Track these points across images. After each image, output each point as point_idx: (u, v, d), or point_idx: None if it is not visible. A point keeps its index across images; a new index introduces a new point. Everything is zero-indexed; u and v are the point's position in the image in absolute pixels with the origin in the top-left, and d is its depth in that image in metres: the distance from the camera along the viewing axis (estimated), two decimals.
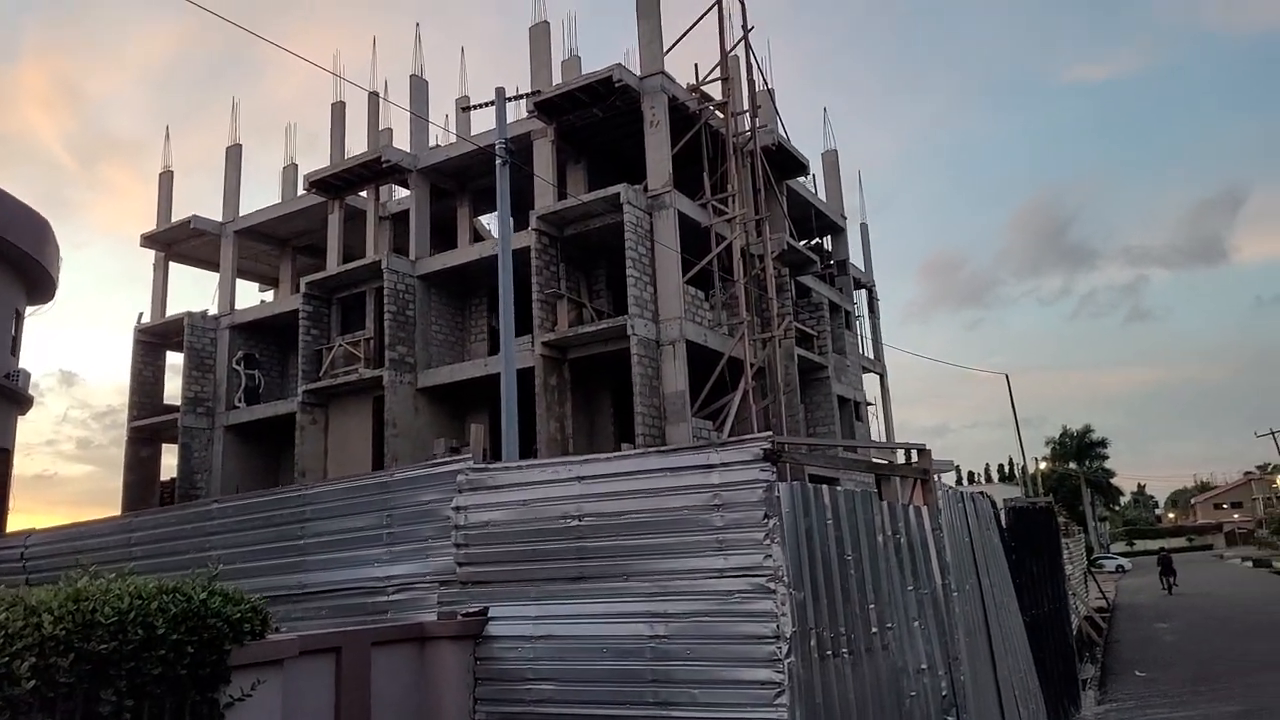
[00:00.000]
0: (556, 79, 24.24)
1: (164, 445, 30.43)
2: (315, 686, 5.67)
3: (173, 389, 30.66)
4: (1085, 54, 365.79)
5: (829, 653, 6.43)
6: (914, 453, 9.49)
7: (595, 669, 6.32)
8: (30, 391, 21.34)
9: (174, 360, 30.86)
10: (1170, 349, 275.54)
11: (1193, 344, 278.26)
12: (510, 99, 15.91)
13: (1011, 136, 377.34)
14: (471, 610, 6.78)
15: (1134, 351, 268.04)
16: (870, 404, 32.34)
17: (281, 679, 5.00)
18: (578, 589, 6.51)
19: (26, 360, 21.31)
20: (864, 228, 36.13)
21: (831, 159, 33.59)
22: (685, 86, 23.70)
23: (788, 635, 5.82)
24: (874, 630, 7.08)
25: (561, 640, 6.47)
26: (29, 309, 22.18)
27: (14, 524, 19.77)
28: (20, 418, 21.40)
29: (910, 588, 7.86)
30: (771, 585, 5.91)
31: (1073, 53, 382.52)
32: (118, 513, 23.55)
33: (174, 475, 28.85)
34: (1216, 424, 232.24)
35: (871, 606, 7.12)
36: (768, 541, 5.96)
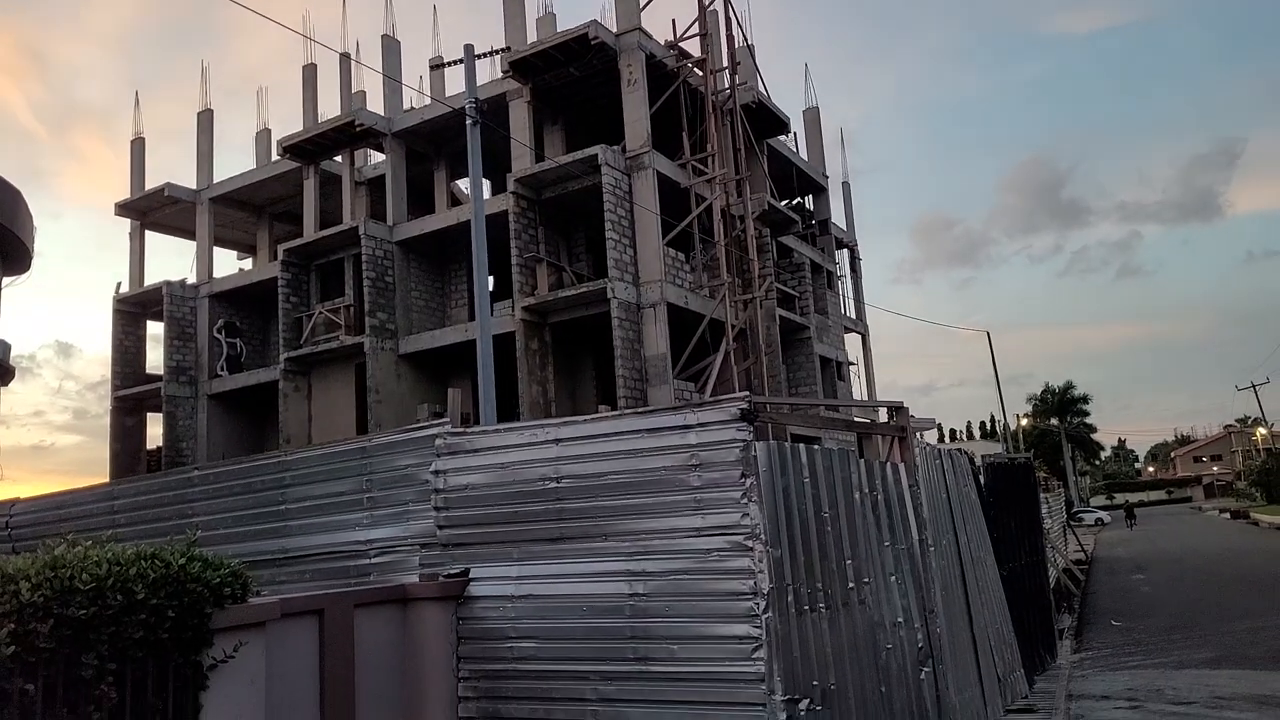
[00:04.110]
0: (531, 37, 23.95)
1: (149, 414, 30.37)
2: (299, 647, 5.73)
3: (155, 358, 30.61)
4: (1065, 2, 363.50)
5: (806, 608, 6.54)
6: (892, 411, 9.59)
7: (576, 627, 6.41)
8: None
9: (155, 330, 30.73)
10: (1157, 304, 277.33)
11: (1178, 299, 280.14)
12: (480, 56, 15.74)
13: (1002, 93, 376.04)
14: (453, 572, 6.85)
15: (1122, 307, 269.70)
16: (853, 364, 32.55)
17: (265, 641, 5.06)
18: (558, 549, 6.58)
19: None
20: (846, 187, 36.09)
21: (813, 116, 33.42)
22: (663, 44, 23.47)
23: (765, 591, 5.91)
24: (851, 585, 7.19)
25: (542, 600, 6.55)
26: (5, 280, 21.96)
27: (2, 494, 19.76)
28: (4, 389, 21.29)
29: (887, 543, 7.98)
30: (749, 543, 5.98)
31: (1053, 1, 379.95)
32: (106, 481, 23.55)
33: (160, 444, 28.84)
34: (1198, 378, 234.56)
35: (849, 562, 7.22)
36: (745, 500, 6.03)
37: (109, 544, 4.54)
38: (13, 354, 21.81)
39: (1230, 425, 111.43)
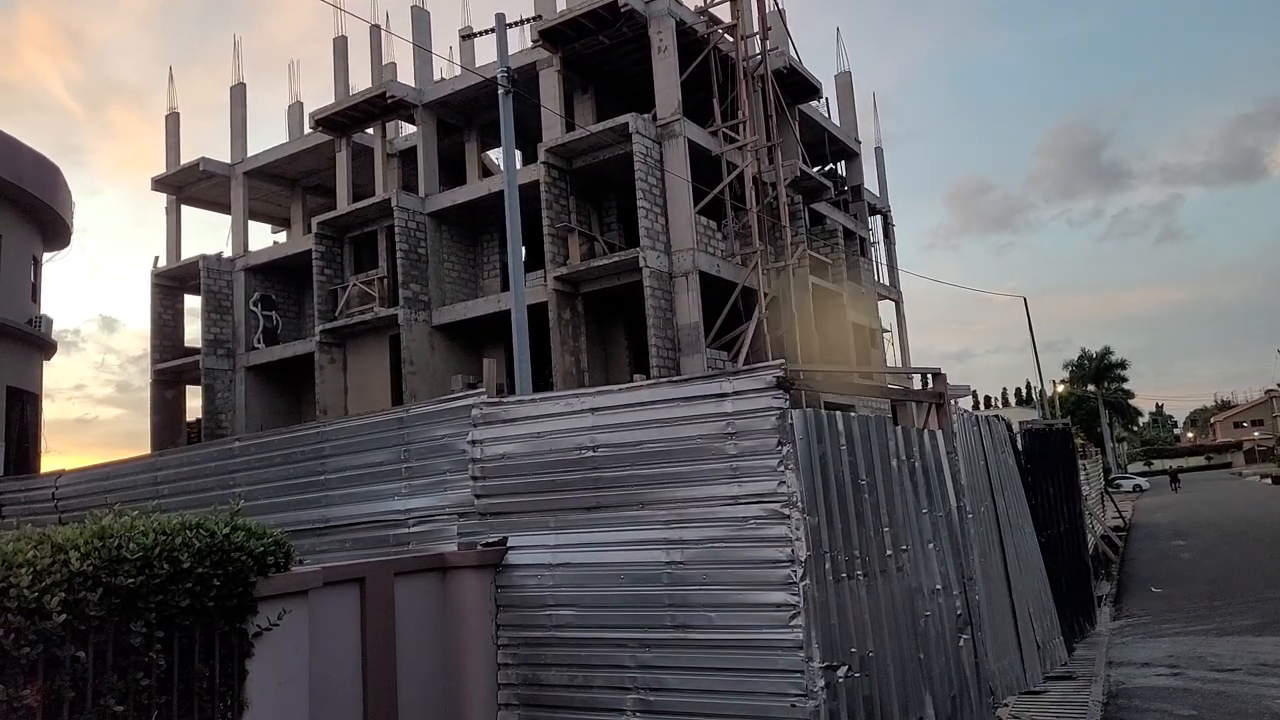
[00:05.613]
0: (561, 6, 23.75)
1: (189, 387, 30.81)
2: (341, 615, 5.81)
3: (193, 332, 30.99)
4: None
5: (844, 575, 6.52)
6: (929, 377, 9.49)
7: (614, 595, 6.43)
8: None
9: (193, 303, 31.09)
10: (1198, 268, 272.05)
11: (1220, 263, 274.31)
12: (511, 25, 15.63)
13: (1040, 53, 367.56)
14: (491, 540, 6.90)
15: (1162, 272, 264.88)
16: (887, 331, 32.27)
17: (308, 608, 5.13)
18: (594, 518, 6.59)
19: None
20: (879, 152, 35.56)
21: (845, 81, 32.89)
22: (693, 10, 23.19)
23: (802, 559, 5.88)
24: (889, 553, 7.16)
25: (580, 568, 6.58)
26: (46, 255, 22.31)
27: (47, 465, 20.21)
28: (46, 363, 21.71)
29: (925, 510, 7.93)
30: (785, 511, 5.95)
31: None
32: (149, 453, 23.95)
33: (199, 416, 29.28)
34: (1240, 343, 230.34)
35: (886, 530, 7.19)
36: (781, 468, 5.99)
37: (154, 514, 4.61)
38: (56, 328, 22.20)
39: (1272, 389, 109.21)
